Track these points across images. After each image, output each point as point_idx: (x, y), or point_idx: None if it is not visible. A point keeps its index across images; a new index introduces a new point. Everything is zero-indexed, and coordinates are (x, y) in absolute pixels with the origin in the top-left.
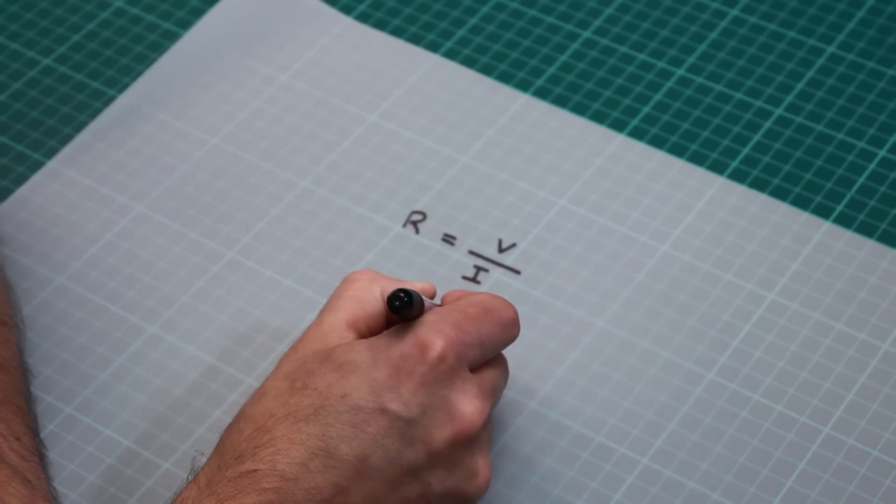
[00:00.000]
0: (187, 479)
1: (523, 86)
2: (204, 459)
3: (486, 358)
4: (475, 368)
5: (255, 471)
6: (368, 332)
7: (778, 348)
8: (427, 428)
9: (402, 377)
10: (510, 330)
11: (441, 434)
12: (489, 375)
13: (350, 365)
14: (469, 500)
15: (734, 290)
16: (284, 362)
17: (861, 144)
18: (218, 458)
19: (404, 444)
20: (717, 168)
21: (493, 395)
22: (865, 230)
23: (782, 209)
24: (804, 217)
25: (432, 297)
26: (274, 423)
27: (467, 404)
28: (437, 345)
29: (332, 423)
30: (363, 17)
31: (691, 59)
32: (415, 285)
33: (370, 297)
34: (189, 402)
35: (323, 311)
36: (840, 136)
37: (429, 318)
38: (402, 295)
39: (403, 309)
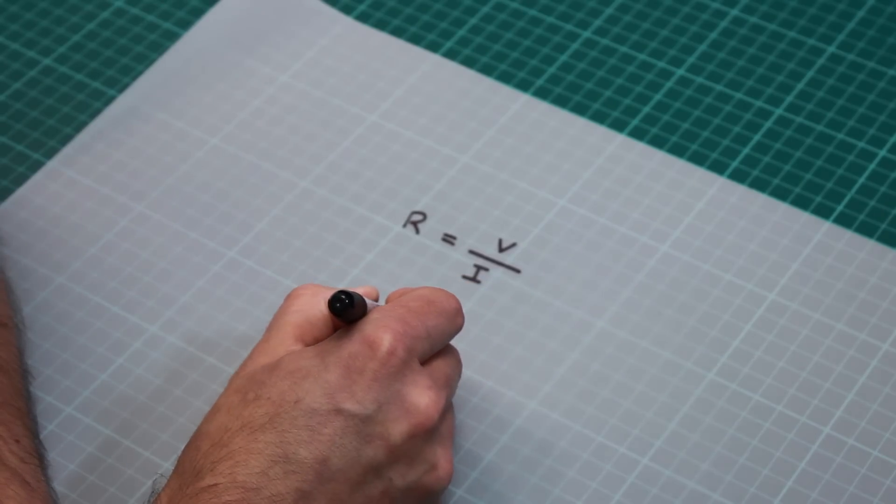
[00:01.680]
0: (149, 501)
1: (523, 86)
2: (164, 481)
3: (434, 350)
4: (426, 361)
5: (215, 485)
6: (315, 342)
7: (778, 348)
8: (384, 424)
9: (354, 376)
10: (455, 319)
11: (398, 428)
12: (440, 366)
13: (301, 371)
14: (433, 493)
15: (734, 290)
16: (234, 380)
17: (861, 144)
18: (178, 477)
19: (362, 442)
20: (718, 168)
21: (447, 385)
22: (866, 230)
23: (782, 209)
24: (804, 217)
25: (376, 299)
26: (230, 436)
27: (422, 396)
28: (385, 340)
29: (288, 429)
30: (363, 17)
31: (691, 59)
32: (357, 290)
33: (314, 310)
34: (189, 403)
35: (269, 329)
36: (840, 136)
37: (373, 316)
38: (342, 297)
39: (345, 310)
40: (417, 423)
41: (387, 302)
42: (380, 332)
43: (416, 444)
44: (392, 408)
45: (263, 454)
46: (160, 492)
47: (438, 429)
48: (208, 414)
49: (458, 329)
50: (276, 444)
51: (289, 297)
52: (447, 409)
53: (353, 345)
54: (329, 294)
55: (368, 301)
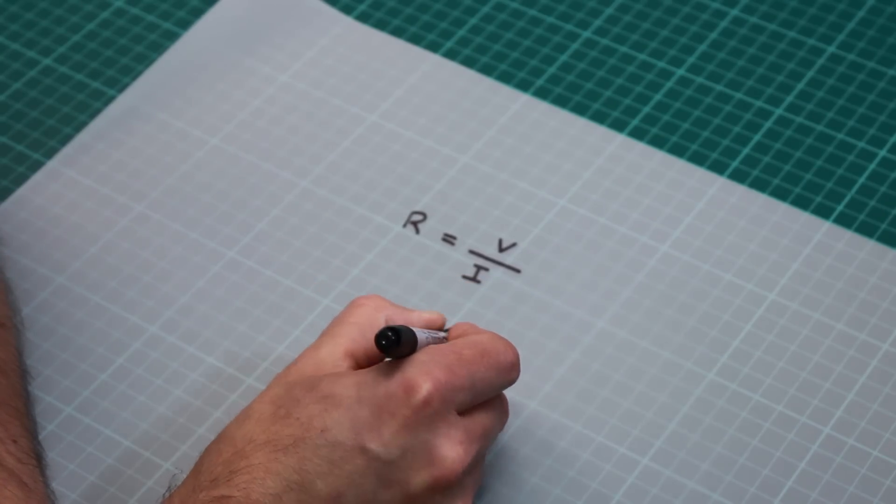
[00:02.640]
0: (164, 496)
1: (523, 86)
2: (182, 478)
3: (477, 402)
4: (467, 411)
5: (228, 497)
6: (367, 361)
7: (778, 348)
8: (405, 471)
9: (385, 417)
10: (508, 374)
11: (419, 478)
12: (480, 419)
13: (334, 398)
14: None
15: (734, 290)
16: (274, 385)
17: (861, 144)
18: (193, 479)
19: (381, 485)
20: (718, 168)
21: (483, 438)
22: (866, 230)
23: (782, 209)
24: (804, 217)
25: (440, 326)
26: (253, 448)
27: (449, 450)
28: (424, 388)
29: (309, 458)
30: (363, 17)
31: (691, 59)
32: (422, 315)
33: (374, 326)
34: (189, 403)
35: (323, 336)
36: (840, 136)
37: (420, 358)
38: (389, 334)
39: (390, 348)
40: (440, 476)
41: (450, 333)
42: (420, 378)
43: (434, 496)
44: (417, 456)
45: (281, 476)
46: (175, 489)
47: (462, 482)
48: (239, 416)
49: (510, 383)
50: (295, 469)
51: (350, 306)
52: (476, 463)
53: (391, 385)
54: (392, 312)
55: (426, 333)
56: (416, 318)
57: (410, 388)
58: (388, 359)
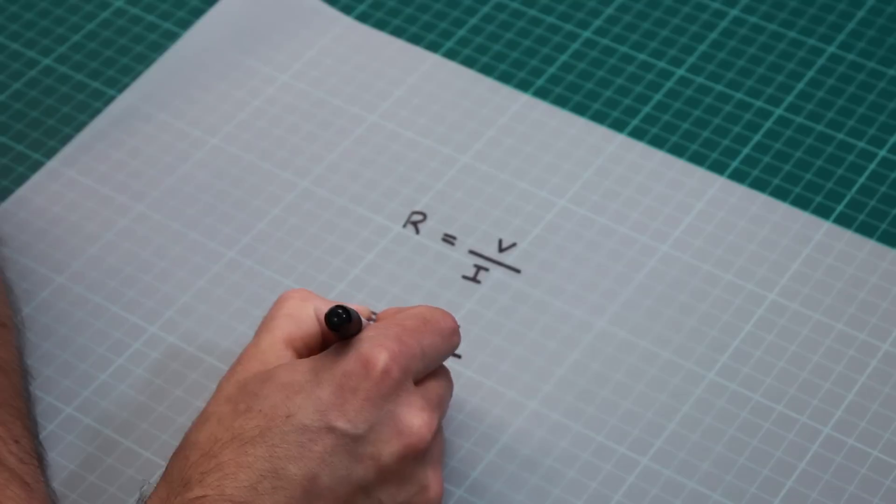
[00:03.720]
0: None
1: (523, 86)
2: (151, 488)
3: (429, 369)
4: (419, 381)
5: (203, 497)
6: (305, 350)
7: (778, 348)
8: (375, 444)
9: (347, 394)
10: (451, 339)
11: (389, 449)
12: (434, 387)
13: (294, 385)
14: None
15: (734, 290)
16: (224, 385)
17: (861, 144)
18: (165, 486)
19: (353, 461)
20: (718, 168)
21: (440, 406)
22: (866, 230)
23: (782, 209)
24: (804, 217)
25: (368, 318)
26: (220, 447)
27: (415, 417)
28: (381, 359)
29: (278, 444)
30: (363, 17)
31: (691, 59)
32: (349, 306)
33: (304, 316)
34: (189, 403)
35: (259, 331)
36: (840, 136)
37: (369, 334)
38: (340, 311)
39: (342, 325)
40: (409, 445)
41: (378, 319)
42: (375, 350)
43: (407, 465)
44: (384, 428)
45: (253, 468)
46: (147, 498)
47: (430, 450)
48: (197, 421)
49: (454, 348)
50: (265, 458)
51: (278, 301)
52: (438, 431)
53: (347, 363)
54: (319, 303)
55: (363, 320)
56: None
57: (368, 362)
58: (332, 345)
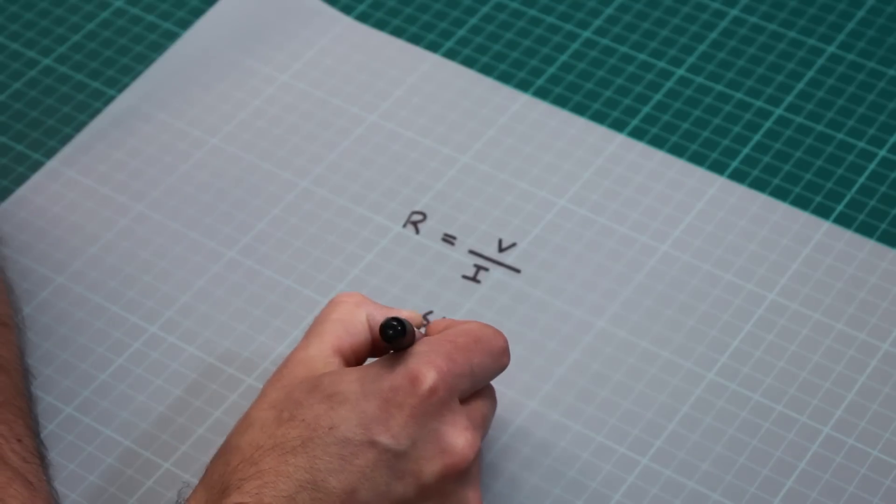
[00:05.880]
0: None
1: (523, 86)
2: (189, 491)
3: (475, 388)
4: (465, 400)
5: None
6: (354, 357)
7: (778, 348)
8: (417, 461)
9: (392, 409)
10: (500, 359)
11: (431, 468)
12: (479, 406)
13: (339, 396)
14: None
15: (734, 290)
16: (270, 390)
17: (861, 144)
18: (204, 490)
19: (393, 477)
20: (717, 168)
21: (483, 426)
22: (865, 230)
23: (782, 209)
24: (804, 217)
25: (419, 326)
26: (261, 454)
27: (458, 437)
28: (429, 377)
29: (319, 456)
30: (363, 17)
31: (691, 59)
32: (401, 313)
33: (356, 322)
34: (189, 402)
35: (308, 335)
36: (840, 136)
37: (419, 349)
38: (395, 324)
39: (396, 338)
40: (452, 464)
41: (429, 332)
42: (424, 368)
43: (447, 484)
44: (427, 446)
45: (293, 478)
46: (186, 499)
47: (471, 470)
48: (240, 425)
49: (502, 368)
50: (306, 469)
51: (330, 304)
52: (480, 451)
53: (395, 377)
54: (372, 309)
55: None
56: (395, 314)
57: (416, 379)
58: (381, 356)
